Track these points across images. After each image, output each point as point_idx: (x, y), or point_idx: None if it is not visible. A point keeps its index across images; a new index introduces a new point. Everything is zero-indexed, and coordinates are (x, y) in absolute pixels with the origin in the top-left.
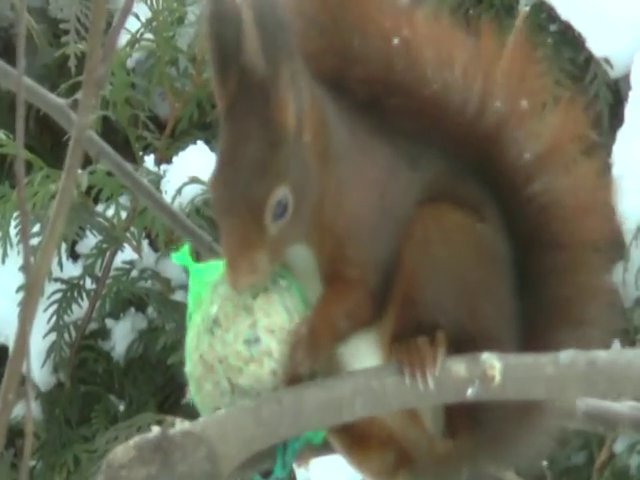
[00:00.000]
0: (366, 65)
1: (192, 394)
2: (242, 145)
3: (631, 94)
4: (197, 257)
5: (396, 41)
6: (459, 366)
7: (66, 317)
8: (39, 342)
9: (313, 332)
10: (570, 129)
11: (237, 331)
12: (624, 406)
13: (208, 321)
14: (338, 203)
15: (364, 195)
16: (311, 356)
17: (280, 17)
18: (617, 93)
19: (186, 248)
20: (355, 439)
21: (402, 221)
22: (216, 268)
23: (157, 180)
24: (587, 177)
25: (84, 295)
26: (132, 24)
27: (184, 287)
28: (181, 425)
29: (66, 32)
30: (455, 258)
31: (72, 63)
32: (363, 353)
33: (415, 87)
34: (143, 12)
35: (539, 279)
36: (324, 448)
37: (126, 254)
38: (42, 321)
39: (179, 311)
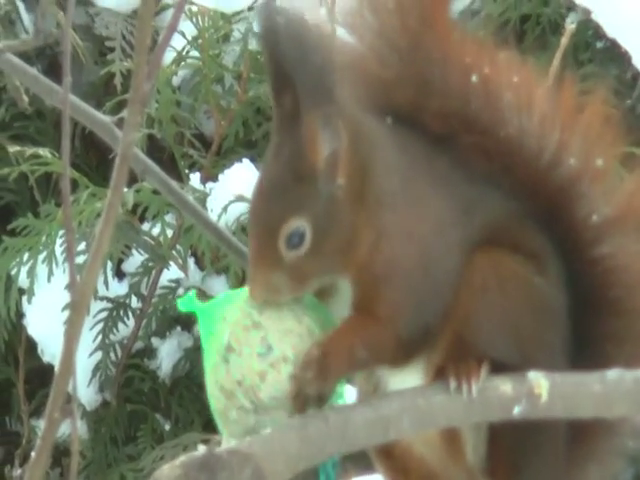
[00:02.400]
0: (442, 98)
1: (220, 430)
2: (273, 170)
3: None
4: (243, 275)
5: (475, 78)
6: (506, 384)
7: (112, 336)
8: (85, 361)
9: (326, 355)
10: None
11: (250, 349)
12: None
13: (221, 351)
14: (377, 247)
15: (406, 246)
16: (320, 378)
17: (322, 59)
18: None
19: (193, 294)
20: (399, 470)
21: (449, 273)
22: (222, 303)
23: (203, 198)
24: None
25: (130, 314)
26: (178, 41)
27: None
28: (227, 443)
29: (111, 50)
30: (510, 307)
31: (118, 81)
32: (407, 381)
33: (491, 127)
34: (189, 30)
35: (595, 343)
36: (368, 467)
37: (172, 272)
38: (88, 340)
39: None
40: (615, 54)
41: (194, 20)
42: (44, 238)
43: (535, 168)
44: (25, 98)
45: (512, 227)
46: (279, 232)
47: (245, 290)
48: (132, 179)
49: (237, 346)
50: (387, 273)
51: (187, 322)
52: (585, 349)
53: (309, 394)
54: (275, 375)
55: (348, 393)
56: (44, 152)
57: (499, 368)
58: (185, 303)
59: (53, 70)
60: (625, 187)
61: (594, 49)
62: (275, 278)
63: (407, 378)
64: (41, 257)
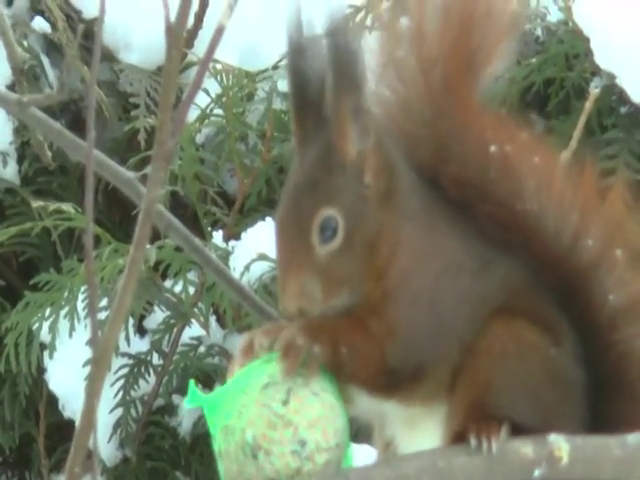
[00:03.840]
0: (460, 165)
1: None
2: (302, 169)
3: None
4: None
5: (494, 150)
6: (527, 447)
7: (133, 392)
8: (105, 417)
9: (315, 324)
10: None
11: (282, 447)
12: None
13: (246, 448)
14: (393, 259)
15: (419, 267)
16: (307, 335)
17: (352, 53)
18: None
19: (192, 384)
20: None
21: (455, 321)
22: (230, 392)
23: (225, 256)
24: None
25: (151, 370)
26: (202, 99)
27: None
28: None
29: (136, 106)
30: (529, 373)
31: (141, 137)
32: (423, 444)
33: (507, 199)
34: (213, 87)
35: (610, 425)
36: None
37: (194, 330)
38: (109, 396)
39: None
40: (639, 120)
41: (218, 78)
42: (66, 293)
43: (552, 247)
44: (48, 153)
45: (528, 296)
46: (312, 224)
47: (255, 373)
48: (155, 236)
49: (266, 445)
50: (395, 287)
51: (208, 380)
52: (600, 430)
53: (298, 345)
54: (311, 466)
55: (366, 454)
56: (67, 207)
57: (519, 431)
58: (190, 399)
59: (77, 125)
60: None
61: (618, 114)
62: (307, 281)
63: (423, 442)
64: (63, 312)
